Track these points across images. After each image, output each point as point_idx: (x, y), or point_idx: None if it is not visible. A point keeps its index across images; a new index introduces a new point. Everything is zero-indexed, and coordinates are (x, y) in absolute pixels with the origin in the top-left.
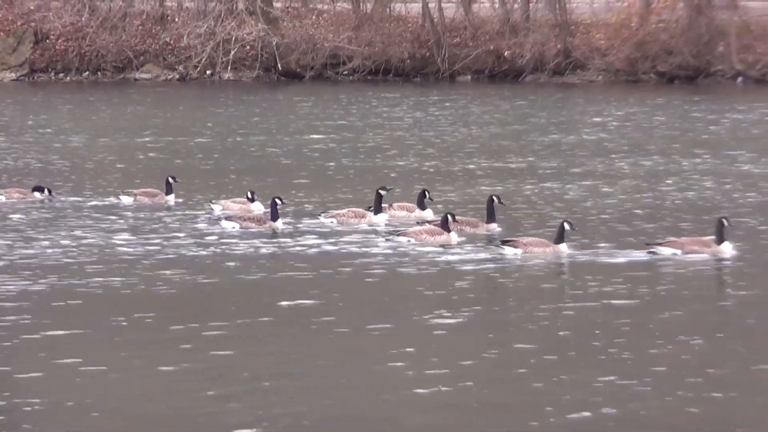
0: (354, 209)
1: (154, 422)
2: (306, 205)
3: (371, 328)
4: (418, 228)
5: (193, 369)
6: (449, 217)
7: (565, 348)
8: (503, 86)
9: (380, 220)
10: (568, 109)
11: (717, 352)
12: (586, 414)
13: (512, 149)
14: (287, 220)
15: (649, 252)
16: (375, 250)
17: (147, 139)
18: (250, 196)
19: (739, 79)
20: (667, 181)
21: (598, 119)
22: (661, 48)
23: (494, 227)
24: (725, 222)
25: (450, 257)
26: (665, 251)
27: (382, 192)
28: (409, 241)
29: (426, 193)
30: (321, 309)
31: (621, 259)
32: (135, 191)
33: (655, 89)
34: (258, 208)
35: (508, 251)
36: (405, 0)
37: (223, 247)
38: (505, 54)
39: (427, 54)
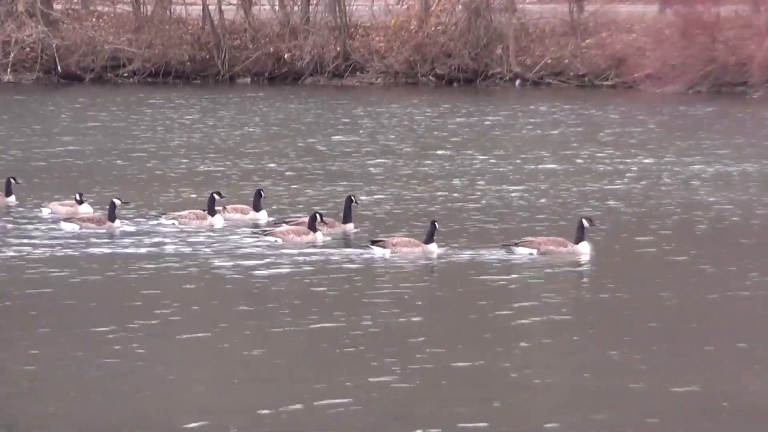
0: (195, 211)
1: None
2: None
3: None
4: (285, 228)
5: None
6: (317, 216)
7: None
8: (283, 88)
9: (218, 221)
10: (346, 110)
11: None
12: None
13: (289, 150)
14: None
15: (507, 252)
16: (221, 248)
17: None
18: (78, 198)
19: (517, 81)
20: (454, 182)
21: (377, 120)
22: (440, 50)
23: (351, 228)
24: (586, 222)
25: (316, 257)
26: (522, 251)
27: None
28: (276, 240)
29: (261, 192)
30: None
31: (483, 259)
32: None
33: (434, 91)
34: (86, 210)
35: (377, 251)
36: (185, 2)
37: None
38: (285, 56)
39: (208, 56)
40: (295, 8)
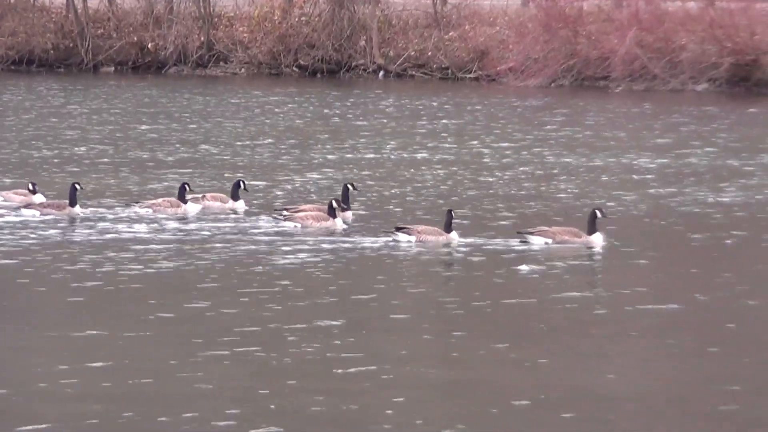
0: (170, 199)
1: None
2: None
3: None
4: (304, 213)
5: None
6: (334, 202)
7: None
8: (146, 78)
9: (193, 209)
10: (209, 99)
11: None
12: None
13: (157, 140)
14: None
15: (521, 241)
16: (242, 234)
17: None
18: (31, 187)
19: (381, 73)
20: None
21: (244, 109)
22: (304, 41)
23: (349, 216)
24: (598, 213)
25: (340, 244)
26: (536, 240)
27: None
28: (295, 226)
29: (242, 183)
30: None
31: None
32: None
33: (297, 82)
34: (40, 199)
35: (402, 238)
36: None
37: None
38: (149, 46)
39: (71, 45)
40: None
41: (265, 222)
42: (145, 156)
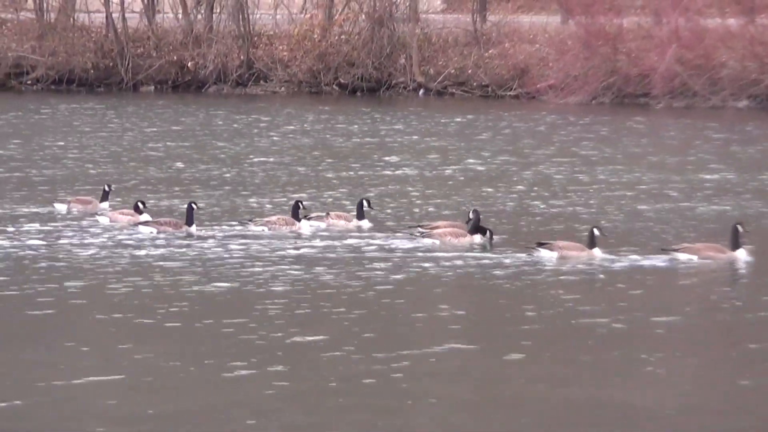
0: (284, 217)
1: None
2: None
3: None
4: (442, 230)
5: None
6: (477, 213)
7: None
8: (186, 97)
9: (307, 228)
10: (252, 118)
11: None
12: None
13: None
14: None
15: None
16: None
17: None
18: (141, 206)
19: (421, 91)
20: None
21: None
22: (343, 60)
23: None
24: (740, 228)
25: (478, 261)
26: (681, 257)
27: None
28: (434, 243)
29: (366, 202)
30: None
31: (645, 264)
32: (69, 198)
33: (338, 100)
34: (146, 218)
35: (545, 254)
36: (89, 10)
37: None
38: (189, 65)
39: (111, 64)
40: (199, 16)
41: (397, 240)
42: (227, 175)
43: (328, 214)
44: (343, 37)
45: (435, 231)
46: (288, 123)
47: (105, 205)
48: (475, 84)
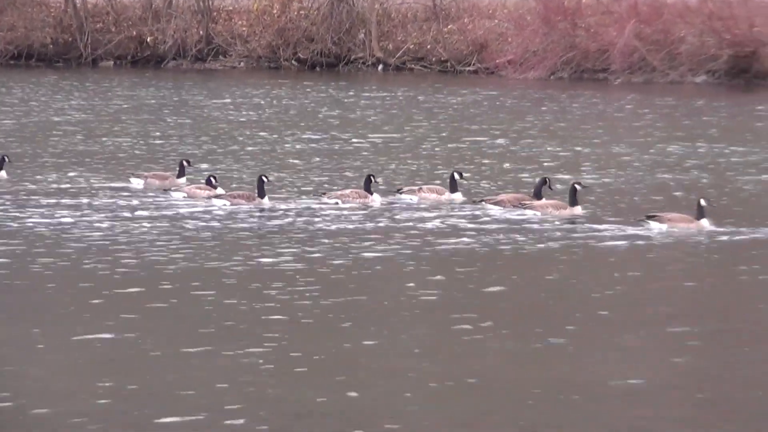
0: (358, 190)
1: None
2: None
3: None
4: (543, 201)
5: None
6: (577, 186)
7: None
8: (145, 72)
9: (378, 200)
10: (212, 92)
11: None
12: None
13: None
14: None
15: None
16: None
17: None
18: (213, 181)
19: (380, 66)
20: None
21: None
22: (303, 35)
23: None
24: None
25: (582, 232)
26: (653, 225)
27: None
28: (534, 214)
29: (459, 174)
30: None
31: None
32: (145, 173)
33: (297, 75)
34: (220, 191)
35: (654, 226)
36: None
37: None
38: (148, 40)
39: (70, 39)
40: None
41: (478, 211)
42: (267, 148)
43: (420, 188)
44: (302, 12)
45: (536, 203)
46: (317, 98)
47: (182, 180)
48: (434, 59)
